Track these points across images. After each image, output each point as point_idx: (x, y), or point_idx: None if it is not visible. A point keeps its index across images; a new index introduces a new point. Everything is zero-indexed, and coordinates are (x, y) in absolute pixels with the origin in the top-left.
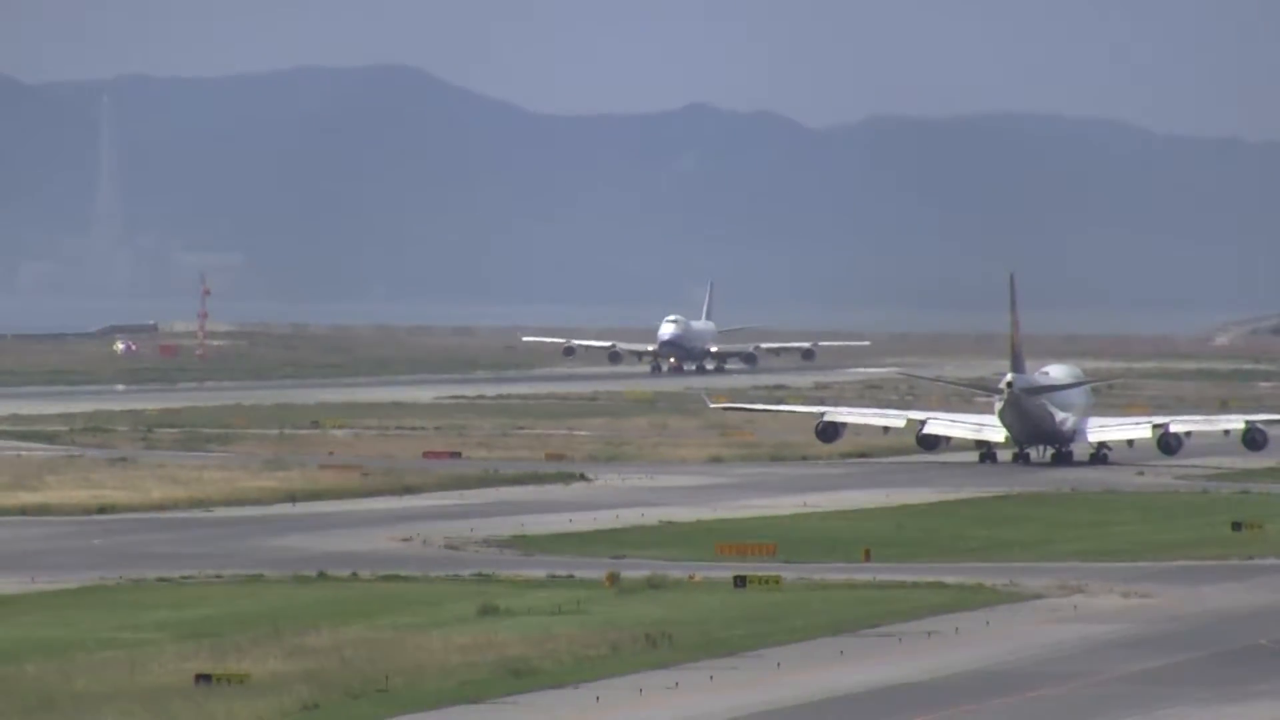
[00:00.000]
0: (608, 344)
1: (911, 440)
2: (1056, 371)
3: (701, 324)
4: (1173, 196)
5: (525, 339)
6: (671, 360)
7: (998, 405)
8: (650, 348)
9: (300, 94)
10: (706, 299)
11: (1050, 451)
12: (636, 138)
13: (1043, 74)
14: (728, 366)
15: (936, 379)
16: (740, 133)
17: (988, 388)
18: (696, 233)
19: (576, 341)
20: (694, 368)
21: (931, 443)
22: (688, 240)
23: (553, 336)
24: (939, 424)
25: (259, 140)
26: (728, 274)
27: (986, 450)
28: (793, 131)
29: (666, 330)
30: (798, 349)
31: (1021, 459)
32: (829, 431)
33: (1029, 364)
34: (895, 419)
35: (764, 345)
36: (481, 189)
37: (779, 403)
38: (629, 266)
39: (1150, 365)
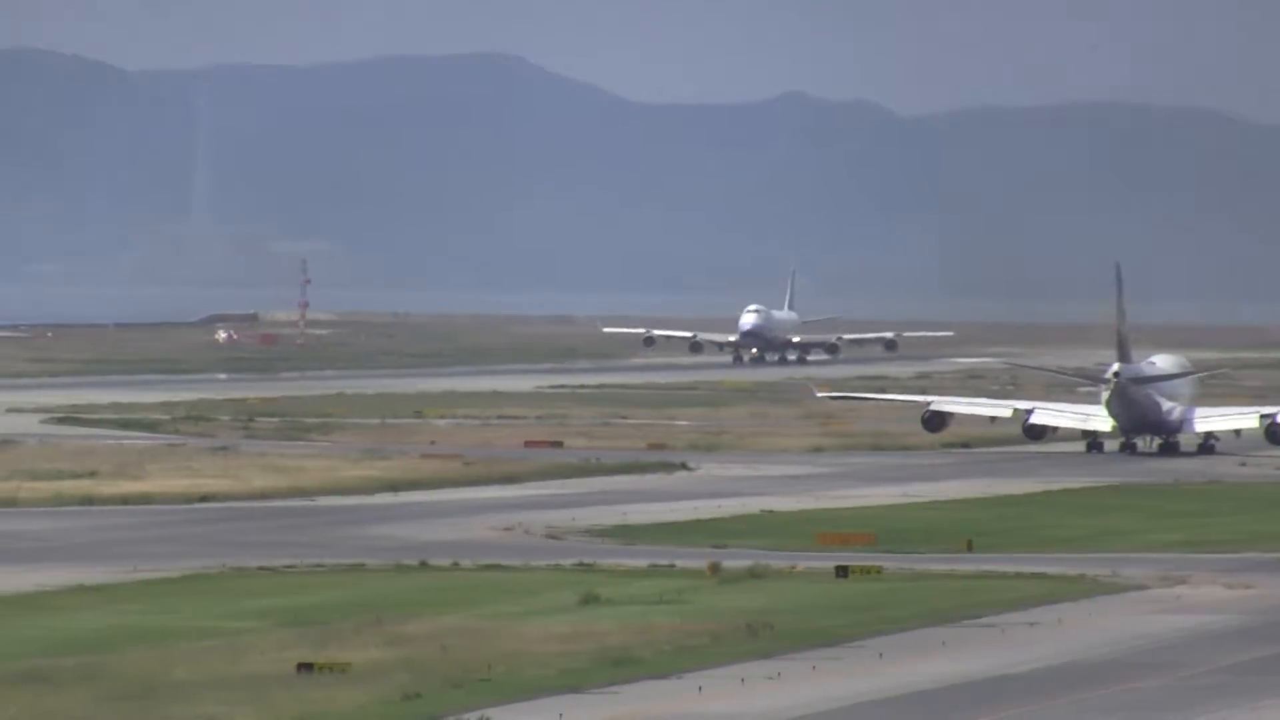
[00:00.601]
0: (689, 334)
1: (1012, 430)
2: (1163, 361)
3: (783, 314)
4: (1271, 187)
5: (605, 330)
6: (753, 351)
7: (1104, 395)
8: (731, 338)
9: (397, 81)
10: (789, 288)
11: (1157, 441)
12: (731, 126)
13: (1130, 63)
14: (810, 357)
15: (1044, 369)
16: (833, 121)
17: (1095, 377)
18: (788, 221)
19: (657, 332)
20: (776, 358)
21: (1038, 432)
22: (780, 229)
23: (640, 326)
24: (1045, 414)
25: (355, 128)
26: (819, 263)
27: (1093, 440)
28: (885, 120)
29: (747, 320)
30: (880, 339)
31: (1128, 449)
32: (935, 421)
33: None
34: (1002, 409)
35: (846, 336)
36: (576, 177)
37: (880, 393)
38: (721, 255)
39: (1251, 355)
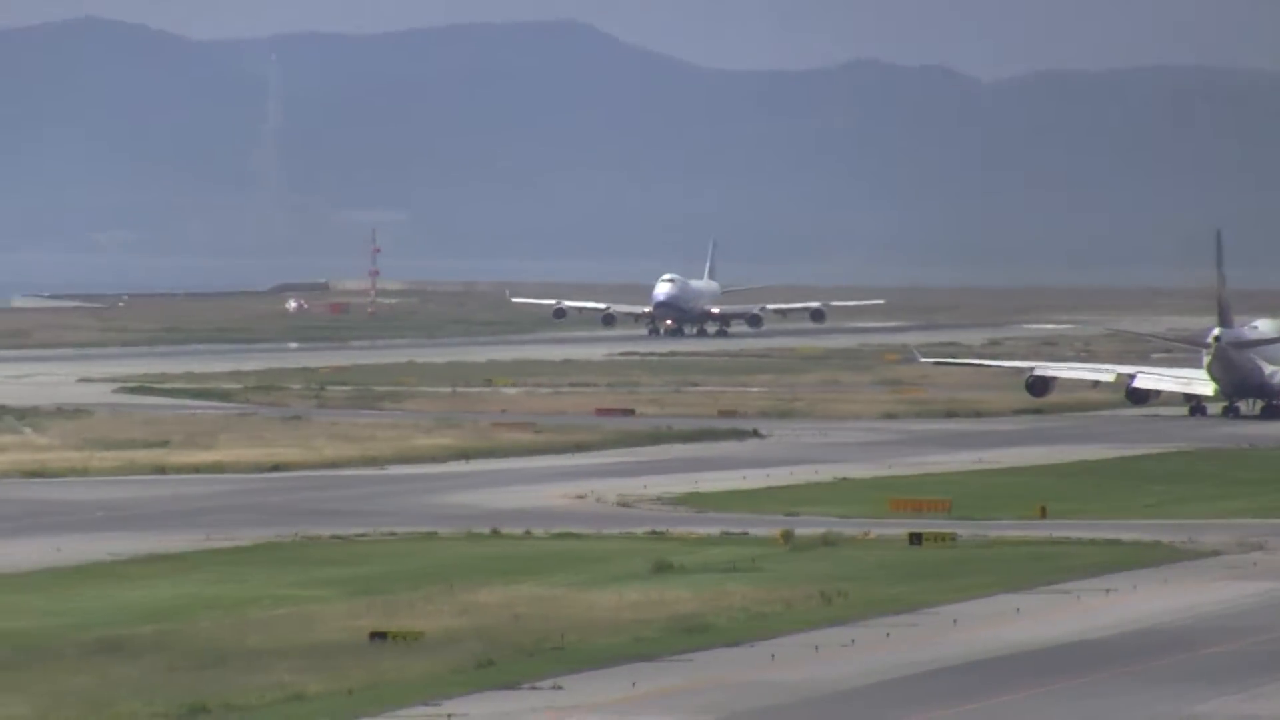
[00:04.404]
0: (602, 305)
1: (1087, 395)
2: (1265, 326)
3: (701, 283)
4: None
5: (514, 299)
6: (668, 322)
7: (1206, 359)
8: (646, 309)
9: (466, 49)
10: (709, 256)
11: (1259, 405)
12: (803, 92)
13: (1203, 26)
14: (730, 329)
15: (1141, 334)
16: (906, 87)
17: (1196, 342)
18: (857, 189)
19: (569, 303)
20: (694, 330)
21: (1141, 397)
22: (850, 196)
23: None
24: (1148, 378)
25: (423, 96)
26: (887, 230)
27: (1196, 404)
28: (959, 85)
29: (662, 290)
30: (806, 309)
31: (1231, 412)
32: (1039, 386)
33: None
34: (1104, 373)
35: (770, 306)
36: (644, 145)
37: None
38: (792, 223)
39: None
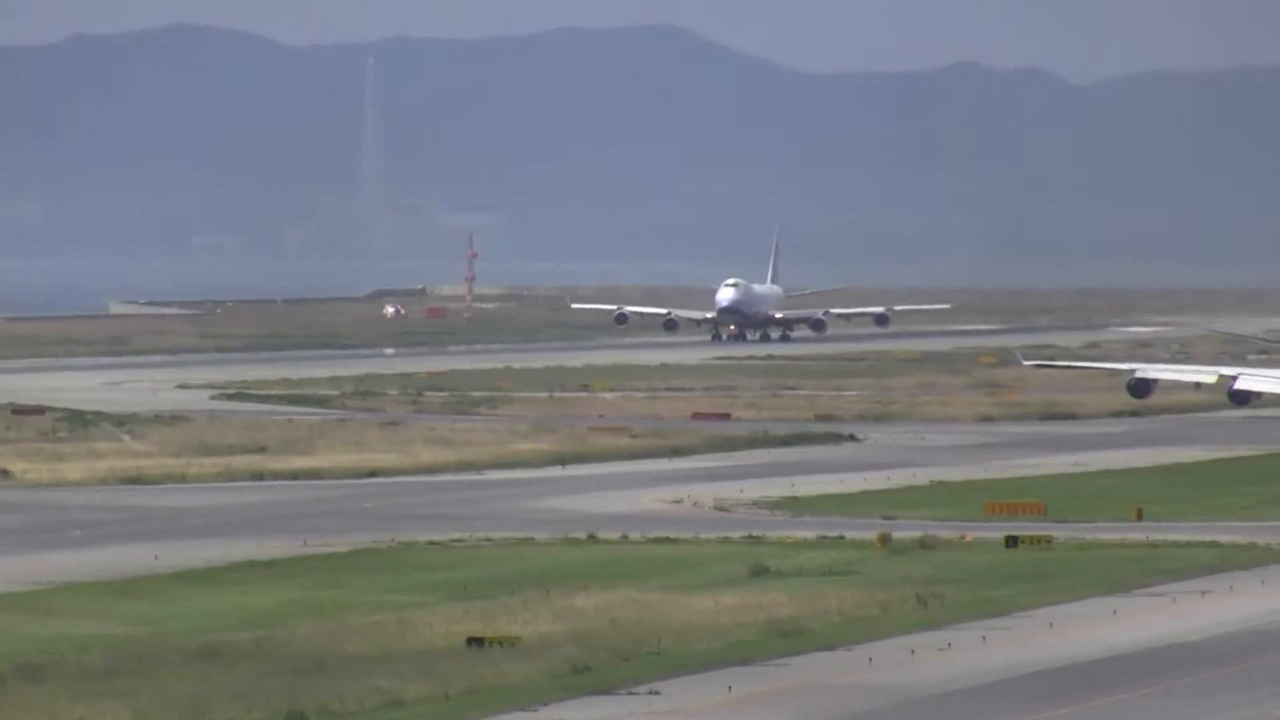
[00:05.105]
0: (664, 311)
1: (1186, 396)
2: None
3: (764, 287)
4: None
5: (574, 305)
6: (731, 328)
7: None
8: (709, 315)
9: (562, 55)
10: (771, 259)
11: None
12: (899, 95)
13: None
14: (794, 334)
15: (1241, 335)
16: (1004, 90)
17: None
18: (955, 190)
19: (630, 308)
20: (757, 335)
21: (1243, 398)
22: (948, 198)
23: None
24: (1250, 379)
25: (519, 101)
26: (985, 232)
27: None
28: (1056, 88)
29: (725, 295)
30: (870, 314)
31: None
32: (1141, 387)
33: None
34: (1206, 375)
35: (833, 310)
36: (743, 148)
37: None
38: (889, 225)
39: None
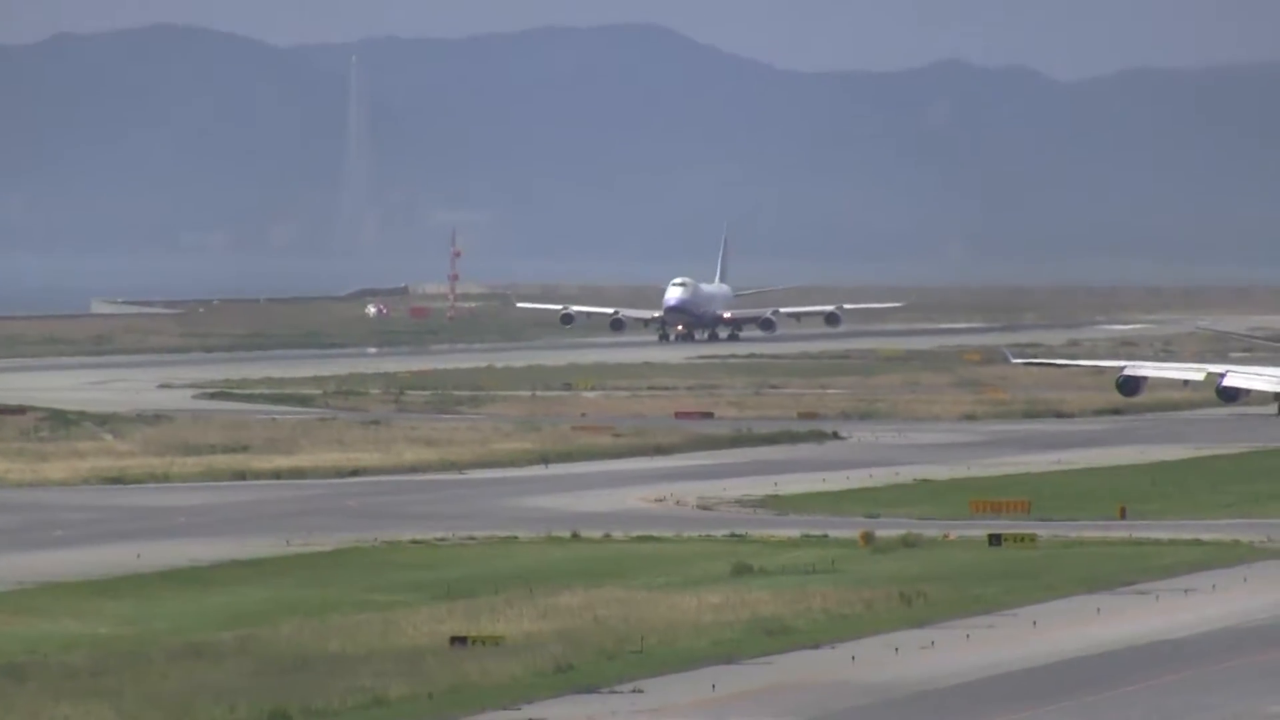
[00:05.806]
0: (610, 310)
1: (1171, 394)
2: None
3: (713, 287)
4: None
5: (520, 305)
6: (679, 328)
7: None
8: (656, 314)
9: (547, 53)
10: (720, 258)
11: None
12: (886, 94)
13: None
14: (743, 334)
15: (1231, 333)
16: (991, 87)
17: None
18: (942, 188)
19: (576, 308)
20: (705, 335)
21: (1231, 395)
22: (935, 196)
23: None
24: (1239, 377)
25: (506, 99)
26: (972, 229)
27: None
28: (1043, 85)
29: (673, 294)
30: (820, 313)
31: None
32: (1130, 385)
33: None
34: (1194, 372)
35: (783, 310)
36: (729, 147)
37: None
38: (879, 223)
39: None
